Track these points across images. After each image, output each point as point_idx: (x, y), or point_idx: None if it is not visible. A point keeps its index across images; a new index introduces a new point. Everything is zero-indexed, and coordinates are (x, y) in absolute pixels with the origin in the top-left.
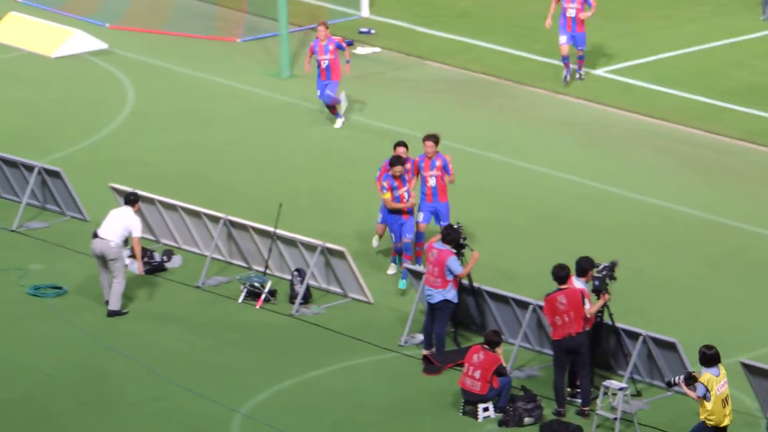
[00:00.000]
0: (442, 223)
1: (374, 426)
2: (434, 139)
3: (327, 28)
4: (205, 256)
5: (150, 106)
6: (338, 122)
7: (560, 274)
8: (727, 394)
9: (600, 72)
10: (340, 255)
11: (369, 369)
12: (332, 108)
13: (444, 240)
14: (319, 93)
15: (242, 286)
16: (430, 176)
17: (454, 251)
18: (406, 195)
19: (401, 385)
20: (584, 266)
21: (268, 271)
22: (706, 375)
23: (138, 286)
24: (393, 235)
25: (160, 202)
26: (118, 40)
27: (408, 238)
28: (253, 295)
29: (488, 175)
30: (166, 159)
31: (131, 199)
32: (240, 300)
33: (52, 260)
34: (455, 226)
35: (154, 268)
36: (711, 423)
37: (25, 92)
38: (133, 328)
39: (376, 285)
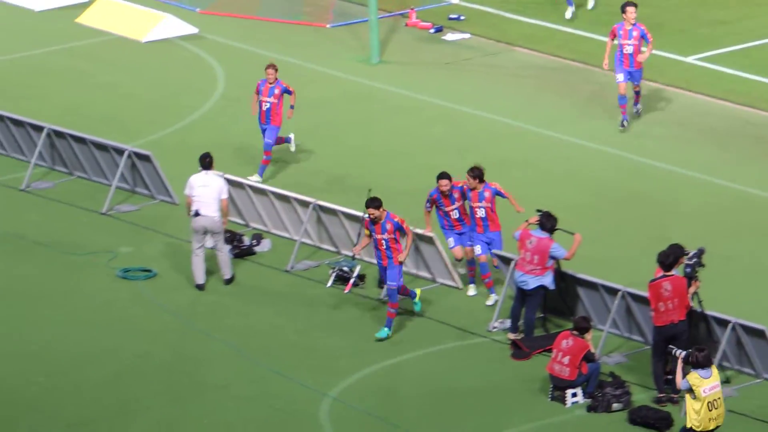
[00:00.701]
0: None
1: (462, 411)
2: (477, 173)
3: (276, 70)
4: (294, 241)
5: (239, 90)
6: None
7: (667, 261)
8: (717, 398)
9: (690, 60)
10: (429, 240)
11: (457, 354)
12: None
13: (542, 228)
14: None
15: (331, 271)
16: (479, 207)
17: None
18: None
19: (489, 370)
20: (675, 254)
21: (356, 256)
22: (693, 374)
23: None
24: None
25: (250, 186)
26: (209, 24)
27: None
28: (341, 279)
29: (574, 161)
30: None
31: (208, 162)
32: (329, 284)
33: (142, 243)
34: (546, 212)
35: (243, 252)
36: (696, 426)
37: (116, 76)
38: (223, 311)
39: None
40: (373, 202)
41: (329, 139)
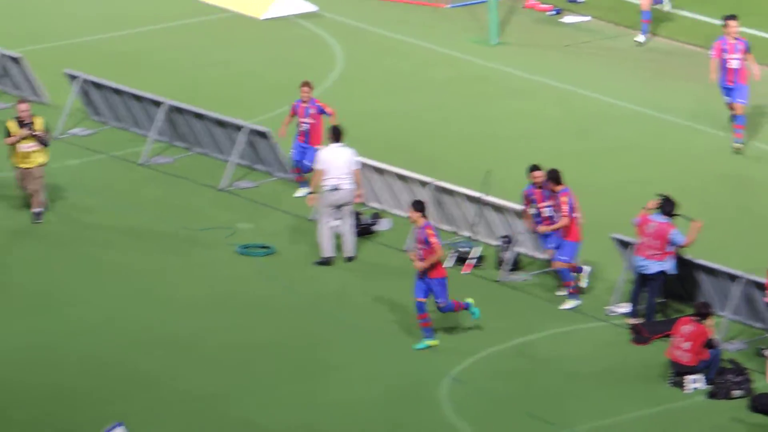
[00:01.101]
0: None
1: (581, 394)
2: (553, 175)
3: (311, 89)
4: None
5: (358, 70)
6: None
7: None
8: None
9: None
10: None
11: (577, 337)
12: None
13: (662, 212)
14: (293, 153)
15: (450, 252)
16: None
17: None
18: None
19: (609, 354)
20: None
21: (476, 237)
22: None
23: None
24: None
25: (369, 165)
26: (328, 3)
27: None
28: (460, 260)
29: (693, 147)
30: (373, 123)
31: (339, 133)
32: (448, 265)
33: (260, 220)
34: (666, 197)
35: (362, 231)
36: None
37: (234, 54)
38: (342, 289)
39: (585, 256)
40: (415, 206)
41: (445, 121)
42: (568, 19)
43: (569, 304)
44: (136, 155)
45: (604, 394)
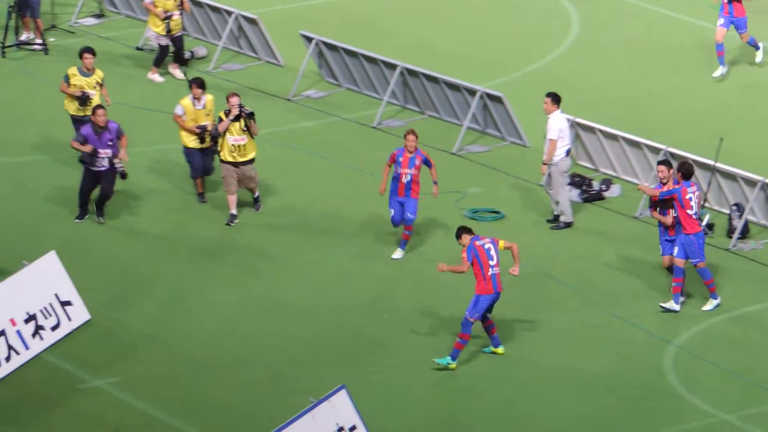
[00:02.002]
0: None
1: None
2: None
3: (417, 137)
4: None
5: (594, 34)
6: (397, 253)
7: None
8: None
9: None
10: None
11: None
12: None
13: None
14: (392, 213)
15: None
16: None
17: None
18: None
19: None
20: None
21: (706, 204)
22: None
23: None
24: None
25: (601, 131)
26: None
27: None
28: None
29: None
30: (609, 88)
31: (560, 97)
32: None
33: (491, 184)
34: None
35: (592, 197)
36: None
37: (469, 17)
38: (567, 254)
39: None
40: (462, 230)
41: (678, 87)
42: None
43: (710, 304)
44: (369, 118)
45: None
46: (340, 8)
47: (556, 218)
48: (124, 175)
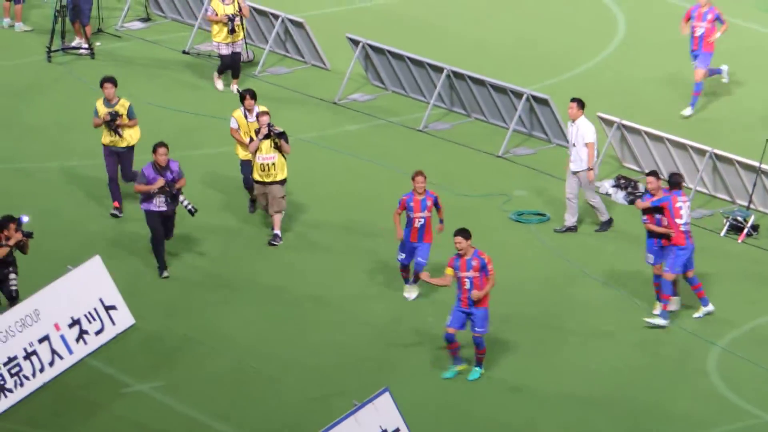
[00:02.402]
0: None
1: None
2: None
3: (425, 178)
4: (689, 189)
5: (640, 36)
6: (411, 291)
7: None
8: None
9: None
10: None
11: None
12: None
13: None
14: (402, 257)
15: (725, 220)
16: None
17: None
18: None
19: None
20: None
21: (751, 206)
22: None
23: (616, 213)
24: None
25: (646, 132)
26: None
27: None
28: (735, 228)
29: None
30: (655, 91)
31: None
32: (722, 233)
33: (537, 187)
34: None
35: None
36: None
37: (516, 19)
38: (614, 258)
39: None
40: (463, 233)
41: (725, 89)
42: None
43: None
44: (415, 121)
45: None
46: (387, 11)
47: (568, 228)
48: (193, 212)
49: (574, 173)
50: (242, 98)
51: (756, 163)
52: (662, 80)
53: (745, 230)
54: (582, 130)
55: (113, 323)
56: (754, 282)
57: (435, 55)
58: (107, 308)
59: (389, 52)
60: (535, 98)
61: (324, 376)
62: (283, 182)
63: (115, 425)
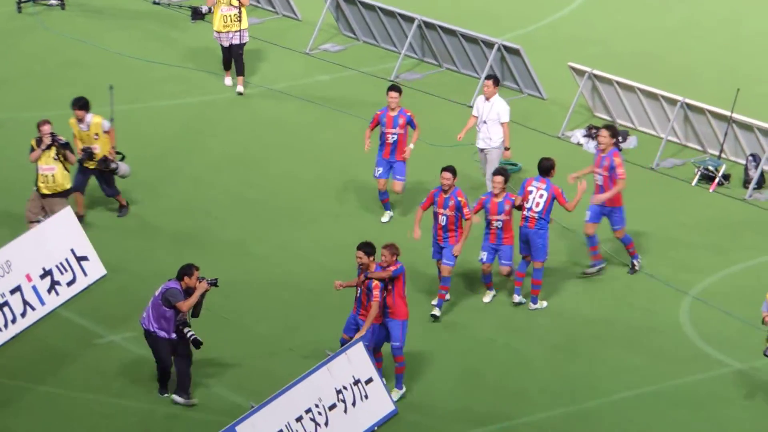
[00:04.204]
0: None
1: None
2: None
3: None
4: (660, 138)
5: None
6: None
7: None
8: None
9: None
10: None
11: None
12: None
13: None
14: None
15: (696, 169)
16: None
17: None
18: None
19: None
20: None
21: (723, 155)
22: None
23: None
24: None
25: (618, 82)
26: None
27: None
28: (706, 178)
29: None
30: (624, 39)
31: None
32: (693, 183)
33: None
34: None
35: None
36: None
37: None
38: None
39: None
40: (365, 248)
41: (698, 37)
42: None
43: None
44: (386, 71)
45: None
46: None
47: None
48: (198, 344)
49: (481, 150)
50: None
51: (727, 113)
52: (632, 29)
53: (717, 179)
54: (498, 108)
55: (85, 274)
56: (726, 231)
57: (406, 5)
58: (79, 259)
59: (360, 2)
60: (506, 48)
61: (297, 327)
62: (64, 194)
63: (87, 375)
